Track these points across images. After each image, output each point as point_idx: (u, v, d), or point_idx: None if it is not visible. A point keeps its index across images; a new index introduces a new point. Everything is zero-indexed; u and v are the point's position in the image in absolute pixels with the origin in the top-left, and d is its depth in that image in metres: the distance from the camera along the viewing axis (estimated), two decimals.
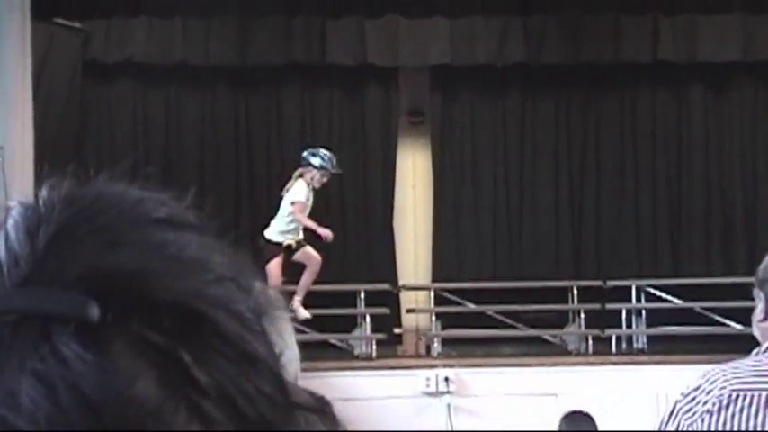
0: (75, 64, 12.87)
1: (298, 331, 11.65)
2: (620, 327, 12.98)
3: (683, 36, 13.11)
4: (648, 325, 12.98)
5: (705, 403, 3.11)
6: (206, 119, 13.53)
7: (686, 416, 3.13)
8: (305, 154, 11.43)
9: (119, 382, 0.62)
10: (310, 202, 11.30)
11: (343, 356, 12.20)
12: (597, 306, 12.84)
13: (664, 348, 12.39)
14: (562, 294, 13.00)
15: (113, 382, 0.62)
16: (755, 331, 3.34)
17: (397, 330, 12.95)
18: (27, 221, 0.68)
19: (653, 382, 10.72)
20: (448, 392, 10.61)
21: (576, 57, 13.11)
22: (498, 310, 12.82)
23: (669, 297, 13.02)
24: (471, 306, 13.01)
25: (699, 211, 13.58)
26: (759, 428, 3.05)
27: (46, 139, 11.17)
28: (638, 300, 13.08)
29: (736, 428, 3.05)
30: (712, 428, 3.06)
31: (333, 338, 12.40)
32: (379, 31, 13.03)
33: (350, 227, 13.21)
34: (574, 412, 8.28)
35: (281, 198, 11.46)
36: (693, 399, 3.17)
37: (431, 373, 10.57)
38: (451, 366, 10.84)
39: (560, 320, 13.09)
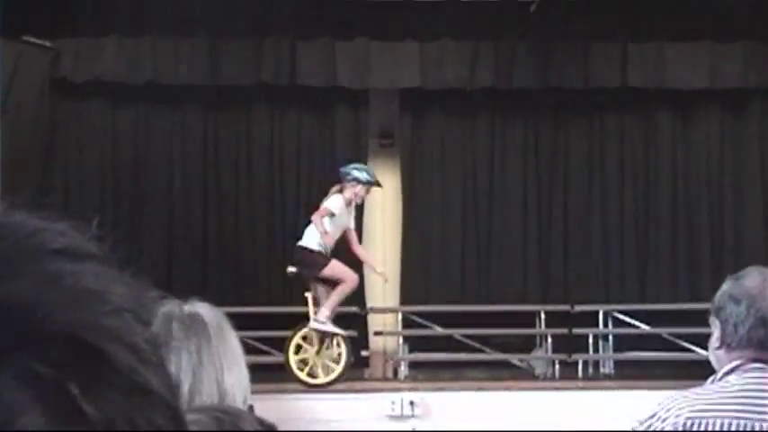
0: (44, 82, 12.82)
1: (257, 352, 11.60)
2: (587, 351, 13.00)
3: (651, 63, 13.18)
4: (615, 350, 13.02)
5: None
6: (175, 138, 13.50)
7: None
8: (347, 169, 10.86)
9: (3, 416, 0.61)
10: (342, 220, 10.68)
11: None
12: (564, 331, 12.87)
13: (630, 373, 12.39)
14: (529, 319, 13.01)
15: None
16: (711, 358, 3.36)
17: (364, 353, 12.91)
18: None
19: (619, 407, 10.70)
20: (413, 416, 10.56)
21: (545, 82, 13.15)
22: (466, 334, 12.83)
23: (636, 323, 13.06)
24: (439, 329, 13.01)
25: (665, 238, 13.65)
26: None
27: (13, 157, 11.13)
28: (606, 325, 13.12)
29: None
30: None
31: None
32: (350, 54, 13.03)
33: None
34: None
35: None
36: (650, 426, 3.19)
37: (396, 396, 10.51)
38: (416, 390, 10.79)
39: (527, 345, 13.11)
